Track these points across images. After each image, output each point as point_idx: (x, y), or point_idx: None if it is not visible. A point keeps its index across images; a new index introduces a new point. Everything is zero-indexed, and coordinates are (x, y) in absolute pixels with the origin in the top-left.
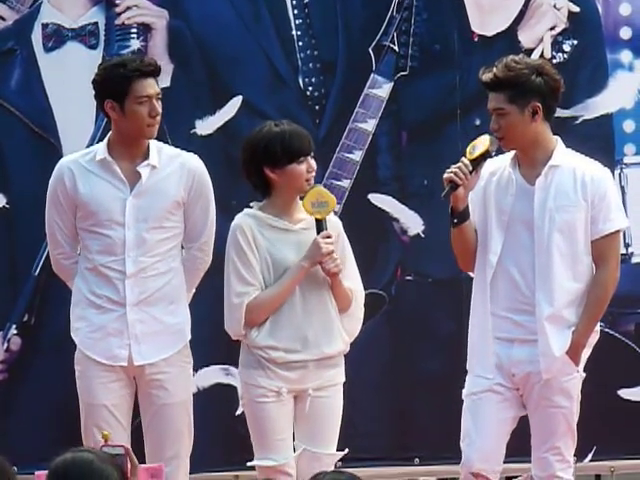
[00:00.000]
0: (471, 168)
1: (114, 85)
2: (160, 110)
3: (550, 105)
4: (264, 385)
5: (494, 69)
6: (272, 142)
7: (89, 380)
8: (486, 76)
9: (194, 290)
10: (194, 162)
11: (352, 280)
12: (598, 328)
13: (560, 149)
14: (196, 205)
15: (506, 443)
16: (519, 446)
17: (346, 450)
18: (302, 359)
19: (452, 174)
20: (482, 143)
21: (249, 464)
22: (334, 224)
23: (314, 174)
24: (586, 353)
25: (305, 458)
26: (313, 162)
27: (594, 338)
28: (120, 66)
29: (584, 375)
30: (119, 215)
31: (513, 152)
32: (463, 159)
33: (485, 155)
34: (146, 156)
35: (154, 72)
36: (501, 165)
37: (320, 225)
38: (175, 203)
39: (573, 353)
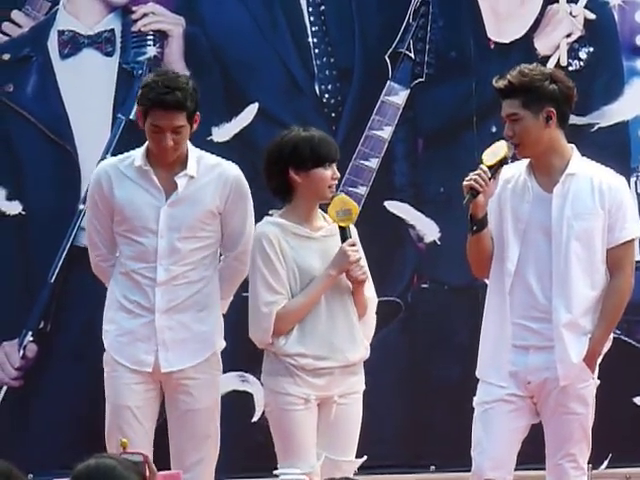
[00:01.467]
0: (490, 175)
1: (139, 102)
2: (171, 143)
3: (564, 112)
4: (293, 393)
5: (508, 76)
6: (301, 144)
7: (115, 381)
8: (500, 83)
9: (231, 298)
10: (233, 171)
11: (367, 287)
12: (612, 336)
13: (576, 157)
14: (233, 214)
15: (517, 451)
16: (532, 453)
17: (365, 457)
18: (329, 366)
19: (472, 181)
20: (500, 149)
21: (275, 472)
22: (351, 232)
23: (336, 182)
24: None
25: (326, 466)
26: (337, 171)
27: (608, 344)
28: (146, 86)
29: (598, 382)
30: (153, 223)
31: (528, 160)
32: (482, 166)
33: (503, 162)
34: (184, 165)
35: (173, 107)
36: (516, 172)
37: (344, 233)
38: (209, 213)
39: (590, 360)
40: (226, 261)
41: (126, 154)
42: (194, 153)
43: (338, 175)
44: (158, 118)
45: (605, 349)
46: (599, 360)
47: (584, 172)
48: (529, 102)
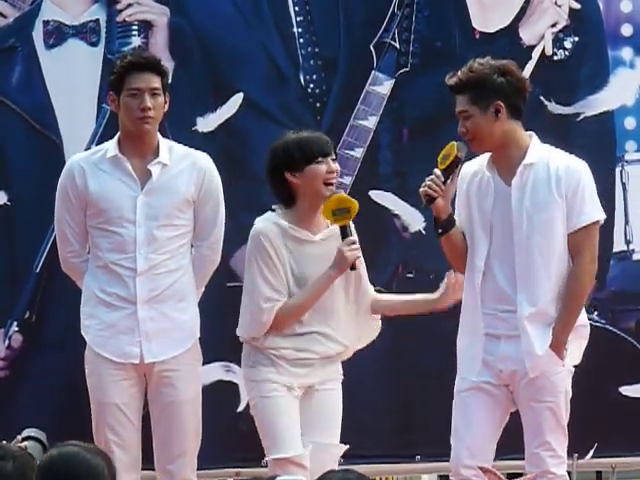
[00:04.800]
0: (443, 179)
1: (113, 77)
2: (149, 104)
3: (514, 104)
4: (276, 380)
5: (459, 72)
6: (290, 146)
7: (99, 378)
8: (451, 80)
9: (203, 288)
10: (205, 161)
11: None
12: (587, 322)
13: (534, 146)
14: (206, 204)
15: (497, 440)
16: (516, 443)
17: (347, 445)
18: (309, 357)
19: (426, 188)
20: (450, 151)
21: (267, 459)
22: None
23: (336, 176)
24: (580, 346)
25: (314, 451)
26: (334, 165)
27: (585, 331)
28: (121, 59)
29: (573, 370)
30: (130, 212)
31: (490, 153)
32: (435, 170)
33: (456, 162)
34: (156, 154)
35: (149, 66)
36: (482, 166)
37: (344, 232)
38: (185, 201)
39: (556, 349)
40: (199, 250)
41: (97, 147)
42: (165, 142)
43: (335, 169)
44: (137, 80)
45: (584, 334)
46: (583, 346)
47: (541, 160)
48: (477, 98)
